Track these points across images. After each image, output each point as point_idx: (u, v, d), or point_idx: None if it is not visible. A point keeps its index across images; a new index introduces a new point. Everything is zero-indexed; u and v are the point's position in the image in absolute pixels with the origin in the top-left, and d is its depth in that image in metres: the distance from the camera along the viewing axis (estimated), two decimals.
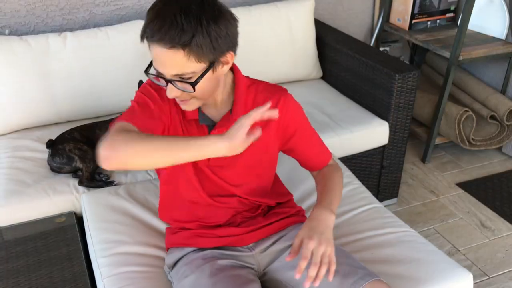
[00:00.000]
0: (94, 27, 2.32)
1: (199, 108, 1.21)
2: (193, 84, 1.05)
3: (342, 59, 2.44)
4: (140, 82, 1.82)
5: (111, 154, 0.97)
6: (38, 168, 1.84)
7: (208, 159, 1.23)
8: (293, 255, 1.11)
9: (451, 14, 2.97)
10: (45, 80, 2.05)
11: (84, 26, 2.34)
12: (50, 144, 1.81)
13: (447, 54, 2.55)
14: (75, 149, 1.78)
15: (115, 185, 1.77)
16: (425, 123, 2.85)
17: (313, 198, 1.67)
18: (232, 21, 1.07)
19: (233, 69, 1.24)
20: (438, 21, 2.95)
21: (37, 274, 1.46)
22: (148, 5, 2.41)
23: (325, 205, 1.20)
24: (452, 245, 2.20)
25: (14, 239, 1.60)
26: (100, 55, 2.12)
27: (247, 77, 1.27)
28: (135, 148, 0.96)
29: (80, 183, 1.76)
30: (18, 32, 2.23)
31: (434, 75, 3.07)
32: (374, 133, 2.20)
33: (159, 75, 1.08)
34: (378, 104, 2.24)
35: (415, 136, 2.94)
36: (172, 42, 1.00)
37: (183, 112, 1.20)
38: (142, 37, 1.06)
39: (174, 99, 1.17)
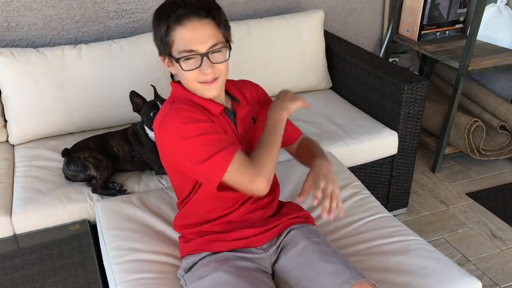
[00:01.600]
0: (108, 39, 2.37)
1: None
2: (227, 48, 1.22)
3: (351, 70, 2.47)
4: (132, 93, 1.83)
5: (264, 180, 1.18)
6: (54, 177, 1.88)
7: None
8: (303, 196, 1.24)
9: (460, 25, 2.98)
10: (61, 91, 2.10)
11: (99, 38, 2.39)
12: (66, 152, 1.85)
13: (456, 64, 2.56)
14: (89, 158, 1.82)
15: (127, 193, 1.81)
16: (434, 133, 2.86)
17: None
18: None
19: None
20: (447, 32, 2.97)
21: (51, 280, 1.49)
22: None
23: (320, 157, 1.34)
24: (462, 255, 2.20)
25: (30, 246, 1.64)
26: (114, 66, 2.17)
27: None
28: (269, 163, 1.19)
29: (94, 190, 1.79)
30: (34, 44, 2.29)
31: (443, 85, 3.08)
32: (383, 143, 2.22)
33: (191, 54, 1.18)
34: (388, 114, 2.26)
35: (424, 146, 2.94)
36: (207, 12, 1.16)
37: (208, 112, 1.27)
38: (168, 29, 1.16)
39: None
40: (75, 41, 2.36)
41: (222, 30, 1.21)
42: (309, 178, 1.28)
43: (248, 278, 1.23)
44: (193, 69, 1.19)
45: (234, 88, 1.39)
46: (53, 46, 2.27)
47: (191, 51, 1.17)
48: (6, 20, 2.20)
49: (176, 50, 1.18)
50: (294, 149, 1.52)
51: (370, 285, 1.19)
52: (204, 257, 1.33)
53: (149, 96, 1.87)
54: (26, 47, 2.24)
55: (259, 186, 1.16)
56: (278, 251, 1.36)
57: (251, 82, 1.46)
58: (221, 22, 1.20)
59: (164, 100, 1.95)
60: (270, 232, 1.36)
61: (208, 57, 1.18)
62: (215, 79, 1.22)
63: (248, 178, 1.15)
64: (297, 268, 1.28)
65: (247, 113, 1.36)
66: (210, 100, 1.27)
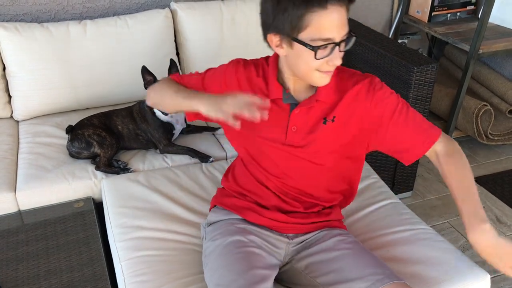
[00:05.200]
0: (113, 15, 2.34)
1: (283, 88, 1.22)
2: (357, 36, 1.12)
3: (359, 51, 2.43)
4: (143, 68, 1.82)
5: (148, 97, 1.33)
6: (58, 154, 1.87)
7: (285, 139, 1.24)
8: None
9: (471, 7, 2.92)
10: (65, 67, 2.08)
11: (104, 14, 2.36)
12: (70, 129, 1.84)
13: (466, 47, 2.52)
14: (94, 135, 1.81)
15: (131, 171, 1.80)
16: (442, 116, 2.83)
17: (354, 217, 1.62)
18: None
19: None
20: (458, 13, 2.91)
21: (55, 257, 1.49)
22: None
23: (480, 220, 1.09)
24: (467, 239, 2.19)
25: (34, 222, 1.64)
26: (119, 43, 2.14)
27: None
28: (160, 96, 1.29)
29: (97, 168, 1.79)
30: (39, 19, 2.26)
31: (452, 68, 3.04)
32: None
33: (327, 43, 1.06)
34: None
35: None
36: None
37: (267, 92, 1.22)
38: (304, 13, 1.04)
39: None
40: (80, 17, 2.32)
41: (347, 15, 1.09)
42: (496, 264, 1.09)
43: (250, 255, 1.22)
44: (323, 58, 1.08)
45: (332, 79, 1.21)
46: (57, 21, 2.24)
47: (328, 39, 1.05)
48: None
49: (308, 35, 1.05)
50: (435, 160, 1.22)
51: (403, 285, 1.16)
52: (231, 219, 1.33)
53: (157, 73, 1.85)
54: (30, 22, 2.21)
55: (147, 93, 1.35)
56: (303, 245, 1.33)
57: (367, 81, 1.22)
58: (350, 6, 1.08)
59: None
60: (303, 226, 1.33)
61: (339, 47, 1.08)
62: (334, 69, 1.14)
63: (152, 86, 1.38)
64: (328, 261, 1.25)
65: (314, 110, 1.21)
66: (278, 85, 1.20)
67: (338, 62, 1.10)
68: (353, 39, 1.10)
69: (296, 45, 1.08)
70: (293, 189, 1.30)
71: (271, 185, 1.31)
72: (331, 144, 1.23)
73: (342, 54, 1.10)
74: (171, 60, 1.87)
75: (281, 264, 1.33)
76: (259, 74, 1.24)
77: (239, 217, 1.34)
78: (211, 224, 1.37)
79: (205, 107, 1.11)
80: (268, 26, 1.11)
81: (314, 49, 1.06)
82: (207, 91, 1.26)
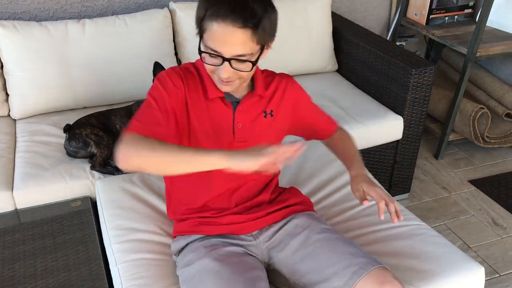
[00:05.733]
0: (112, 14, 2.34)
1: None
2: (254, 63, 1.13)
3: (358, 53, 2.43)
4: (156, 64, 1.82)
5: (125, 162, 1.04)
6: (55, 153, 1.86)
7: (234, 136, 1.27)
8: (367, 201, 1.22)
9: (469, 10, 2.94)
10: (63, 66, 2.07)
11: (103, 13, 2.35)
12: (68, 128, 1.84)
13: (464, 50, 2.53)
14: (91, 134, 1.80)
15: (125, 173, 1.79)
16: (439, 119, 2.84)
17: (324, 192, 1.67)
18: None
19: None
20: (456, 16, 2.92)
21: (52, 256, 1.48)
22: None
23: (358, 166, 1.34)
24: (463, 241, 2.20)
25: (31, 221, 1.63)
26: (117, 42, 2.13)
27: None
28: (146, 160, 1.04)
29: (93, 167, 1.78)
30: (37, 18, 2.25)
31: (449, 71, 3.05)
32: (388, 127, 2.20)
33: (216, 54, 1.10)
34: (393, 99, 2.23)
35: (429, 132, 2.93)
36: (245, 22, 1.06)
37: (204, 92, 1.24)
38: (204, 17, 1.09)
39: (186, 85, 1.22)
40: (78, 16, 2.32)
41: (259, 39, 1.10)
42: (359, 188, 1.26)
43: (236, 264, 1.21)
44: (212, 65, 1.14)
45: (261, 77, 1.31)
46: (56, 20, 2.24)
47: (216, 51, 1.10)
48: None
49: (204, 40, 1.11)
50: (326, 142, 1.50)
51: (384, 269, 1.17)
52: (193, 241, 1.32)
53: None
54: (28, 20, 2.20)
55: (116, 157, 1.05)
56: (276, 240, 1.32)
57: (288, 78, 1.36)
58: (261, 31, 1.09)
59: None
60: (261, 220, 1.33)
61: (230, 63, 1.11)
62: (233, 80, 1.16)
63: (119, 149, 1.05)
64: (302, 260, 1.25)
65: (256, 105, 1.28)
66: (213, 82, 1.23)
67: (222, 75, 1.13)
68: (247, 64, 1.12)
69: (200, 45, 1.15)
70: (238, 185, 1.32)
71: (215, 188, 1.31)
72: (270, 137, 1.31)
73: (232, 71, 1.12)
74: (155, 63, 1.84)
75: (265, 265, 1.32)
76: (195, 76, 1.25)
77: (199, 235, 1.33)
78: (179, 252, 1.35)
79: (234, 161, 1.02)
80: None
81: (200, 52, 1.13)
82: (170, 109, 1.19)
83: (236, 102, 1.26)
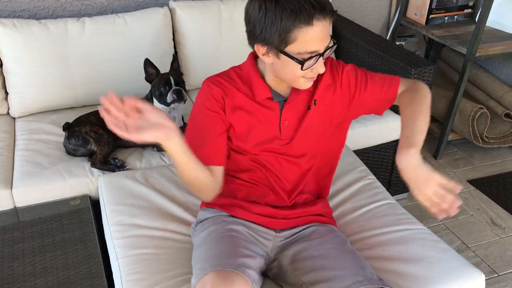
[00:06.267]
0: (112, 13, 2.33)
1: (270, 87, 1.26)
2: (336, 43, 1.17)
3: (357, 52, 2.43)
4: (146, 61, 1.83)
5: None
6: (54, 151, 1.86)
7: (280, 134, 1.28)
8: (438, 212, 1.08)
9: (469, 10, 2.94)
10: (63, 64, 2.07)
11: (102, 12, 2.35)
12: (67, 126, 1.84)
13: (463, 50, 2.53)
14: (91, 132, 1.80)
15: (126, 169, 1.79)
16: (438, 119, 2.84)
17: (342, 206, 1.64)
18: None
19: None
20: (455, 16, 2.92)
21: (52, 254, 1.48)
22: None
23: (409, 144, 1.15)
24: (462, 241, 2.20)
25: (30, 220, 1.63)
26: (117, 41, 2.13)
27: None
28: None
29: (93, 165, 1.78)
30: (37, 16, 2.25)
31: (449, 71, 3.05)
32: (387, 127, 2.20)
33: (313, 55, 1.12)
34: None
35: (428, 132, 2.91)
36: (331, 9, 1.09)
37: (253, 96, 1.26)
38: (291, 28, 1.07)
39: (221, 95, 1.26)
40: (78, 14, 2.32)
41: None
42: (420, 197, 1.09)
43: (241, 241, 1.25)
44: (308, 68, 1.14)
45: None
46: (55, 18, 2.24)
47: (313, 52, 1.11)
48: None
49: (294, 49, 1.10)
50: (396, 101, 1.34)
51: None
52: (218, 215, 1.35)
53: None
54: (28, 18, 2.20)
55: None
56: (290, 241, 1.34)
57: (331, 62, 1.31)
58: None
59: (181, 74, 1.94)
60: (291, 220, 1.35)
61: (323, 56, 1.14)
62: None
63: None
64: (309, 259, 1.25)
65: (301, 101, 1.28)
66: (262, 83, 1.24)
67: (322, 70, 1.17)
68: (334, 46, 1.16)
69: (283, 56, 1.13)
70: (280, 181, 1.33)
71: (260, 181, 1.33)
72: (317, 128, 1.29)
73: (324, 61, 1.16)
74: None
75: (268, 258, 1.33)
76: (240, 81, 1.28)
77: (227, 214, 1.36)
78: (199, 222, 1.39)
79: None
80: (254, 36, 1.16)
81: (301, 62, 1.12)
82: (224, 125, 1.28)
83: (283, 101, 1.27)
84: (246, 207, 1.34)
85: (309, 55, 1.11)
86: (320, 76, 1.26)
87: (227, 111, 1.26)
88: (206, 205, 1.41)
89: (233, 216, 1.35)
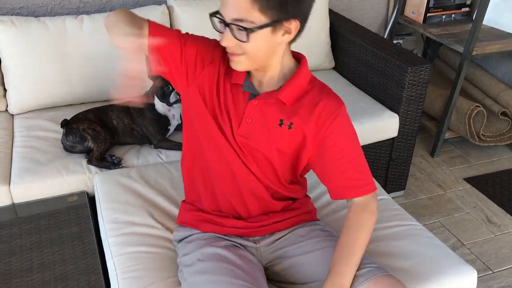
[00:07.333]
0: (110, 10, 2.34)
1: (247, 77, 1.18)
2: (249, 31, 1.03)
3: (355, 50, 2.44)
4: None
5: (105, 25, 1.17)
6: (52, 148, 1.87)
7: (238, 128, 1.19)
8: None
9: (466, 9, 2.95)
10: (61, 61, 2.08)
11: (101, 9, 2.36)
12: (65, 123, 1.85)
13: (460, 48, 2.54)
14: (88, 129, 1.81)
15: (122, 167, 1.81)
16: (435, 117, 2.85)
17: (317, 191, 1.66)
18: None
19: (301, 61, 1.22)
20: (453, 15, 2.93)
21: (49, 250, 1.50)
22: None
23: (339, 275, 1.12)
24: (457, 239, 2.22)
25: (27, 216, 1.64)
26: None
27: (312, 75, 1.24)
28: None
29: (89, 162, 1.80)
30: (35, 13, 2.26)
31: (446, 69, 3.06)
32: (384, 125, 2.21)
33: (221, 19, 1.06)
34: (389, 96, 2.24)
35: (424, 129, 2.94)
36: None
37: (231, 76, 1.19)
38: None
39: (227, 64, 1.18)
40: (76, 12, 2.32)
41: (262, 7, 1.01)
42: None
43: (238, 253, 1.22)
44: (219, 32, 1.09)
45: (299, 84, 1.18)
46: (54, 15, 2.24)
47: (221, 14, 1.06)
48: None
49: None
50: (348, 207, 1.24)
51: (389, 277, 1.14)
52: (194, 234, 1.33)
53: None
54: (26, 15, 2.21)
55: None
56: (276, 247, 1.30)
57: (331, 97, 1.19)
58: (260, 0, 1.00)
59: None
60: (266, 227, 1.31)
61: (231, 29, 1.05)
62: (238, 54, 1.09)
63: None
64: (308, 264, 1.24)
65: (273, 108, 1.17)
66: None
67: (224, 44, 1.09)
68: (243, 33, 1.04)
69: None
70: (245, 188, 1.25)
71: (221, 188, 1.27)
72: (283, 147, 1.20)
73: (232, 39, 1.06)
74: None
75: (263, 265, 1.32)
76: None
77: (201, 232, 1.33)
78: (180, 241, 1.36)
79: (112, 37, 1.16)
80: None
81: (211, 17, 1.10)
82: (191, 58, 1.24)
83: (253, 95, 1.18)
84: (218, 221, 1.30)
85: (218, 16, 1.07)
86: (311, 103, 1.16)
87: (208, 70, 1.20)
88: (179, 223, 1.39)
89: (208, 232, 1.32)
